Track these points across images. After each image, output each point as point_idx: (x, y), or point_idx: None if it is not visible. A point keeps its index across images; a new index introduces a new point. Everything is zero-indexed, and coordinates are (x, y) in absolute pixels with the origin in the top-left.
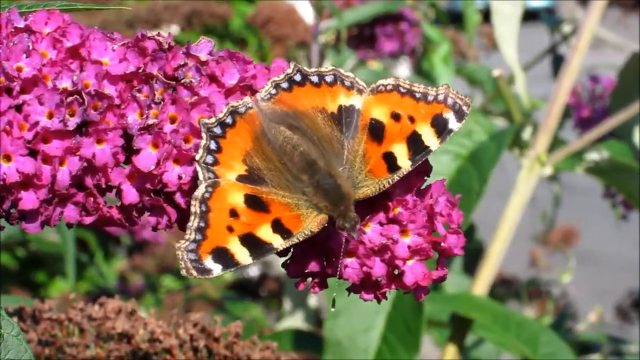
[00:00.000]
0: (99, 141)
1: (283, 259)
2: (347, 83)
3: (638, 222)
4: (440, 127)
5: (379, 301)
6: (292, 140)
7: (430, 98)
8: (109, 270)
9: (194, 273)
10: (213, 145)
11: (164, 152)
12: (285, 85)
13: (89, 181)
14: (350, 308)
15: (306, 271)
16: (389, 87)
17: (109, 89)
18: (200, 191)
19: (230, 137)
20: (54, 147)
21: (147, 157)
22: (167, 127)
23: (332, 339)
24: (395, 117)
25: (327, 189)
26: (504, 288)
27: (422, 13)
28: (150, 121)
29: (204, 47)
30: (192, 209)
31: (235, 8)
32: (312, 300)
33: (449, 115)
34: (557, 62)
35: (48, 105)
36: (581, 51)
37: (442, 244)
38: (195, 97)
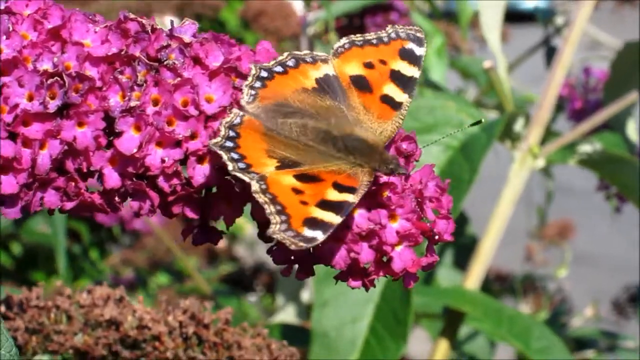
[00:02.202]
0: (80, 124)
1: (269, 246)
2: (308, 60)
3: (635, 222)
4: (410, 57)
5: (367, 289)
6: (297, 124)
7: (385, 39)
8: (104, 267)
9: (302, 244)
10: (235, 156)
11: (146, 134)
12: (258, 84)
13: (70, 165)
14: (338, 299)
15: (292, 257)
16: (346, 46)
17: (91, 71)
18: (255, 186)
19: (243, 145)
20: (34, 130)
21: (129, 140)
22: (150, 110)
23: (319, 330)
24: (369, 65)
25: (356, 146)
26: (499, 284)
27: (416, 7)
28: (133, 103)
29: (187, 28)
30: (260, 200)
31: (232, 6)
32: (305, 295)
33: (411, 45)
34: (550, 54)
35: (28, 87)
36: (573, 42)
37: (432, 229)
38: (179, 79)
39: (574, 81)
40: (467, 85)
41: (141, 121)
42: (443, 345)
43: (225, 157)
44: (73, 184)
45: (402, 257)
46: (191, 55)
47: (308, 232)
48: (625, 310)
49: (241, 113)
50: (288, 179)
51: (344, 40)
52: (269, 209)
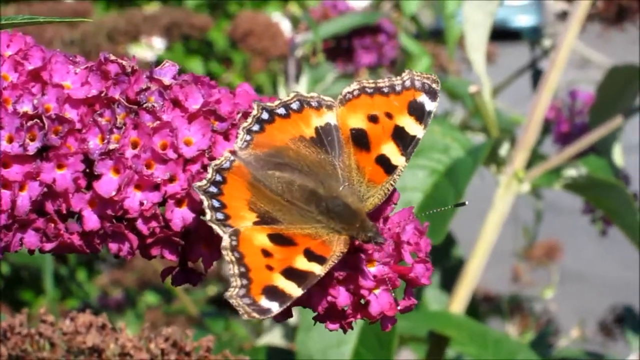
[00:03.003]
0: (59, 166)
1: None
2: (313, 104)
3: (623, 241)
4: (418, 113)
5: (344, 331)
6: (285, 179)
7: (398, 88)
8: (92, 287)
9: (256, 315)
10: (216, 204)
11: (125, 177)
12: (256, 127)
13: (49, 207)
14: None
15: None
16: (355, 93)
17: (70, 113)
18: (226, 241)
19: (227, 192)
20: (14, 172)
21: (108, 183)
22: (129, 152)
23: (304, 353)
24: (373, 119)
25: (338, 212)
26: (486, 304)
27: (403, 27)
28: (112, 146)
29: (167, 70)
30: (227, 257)
31: (220, 26)
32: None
33: (423, 98)
34: (537, 78)
35: (8, 129)
36: (559, 66)
37: (410, 273)
38: (158, 122)
39: (560, 103)
40: (454, 106)
41: (120, 164)
42: None
43: (206, 203)
44: (52, 225)
45: (379, 300)
46: (171, 98)
47: (264, 303)
48: (612, 331)
49: (232, 157)
50: (261, 238)
51: (355, 85)
52: (233, 269)
